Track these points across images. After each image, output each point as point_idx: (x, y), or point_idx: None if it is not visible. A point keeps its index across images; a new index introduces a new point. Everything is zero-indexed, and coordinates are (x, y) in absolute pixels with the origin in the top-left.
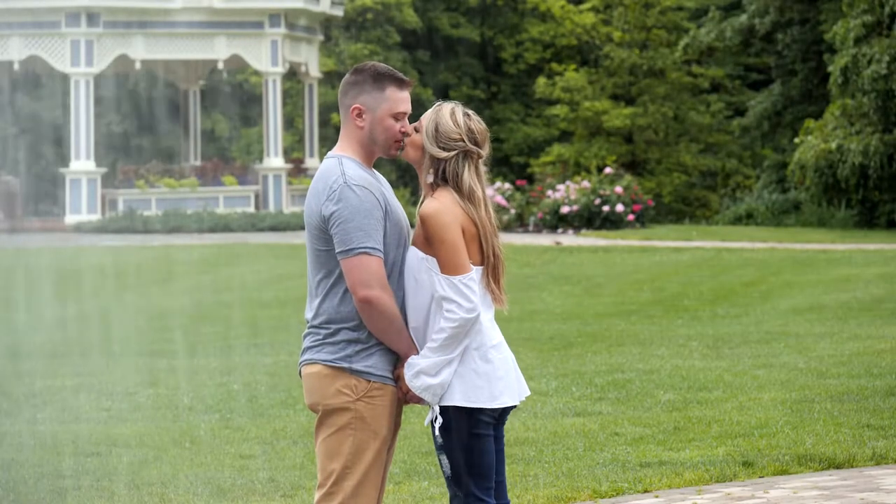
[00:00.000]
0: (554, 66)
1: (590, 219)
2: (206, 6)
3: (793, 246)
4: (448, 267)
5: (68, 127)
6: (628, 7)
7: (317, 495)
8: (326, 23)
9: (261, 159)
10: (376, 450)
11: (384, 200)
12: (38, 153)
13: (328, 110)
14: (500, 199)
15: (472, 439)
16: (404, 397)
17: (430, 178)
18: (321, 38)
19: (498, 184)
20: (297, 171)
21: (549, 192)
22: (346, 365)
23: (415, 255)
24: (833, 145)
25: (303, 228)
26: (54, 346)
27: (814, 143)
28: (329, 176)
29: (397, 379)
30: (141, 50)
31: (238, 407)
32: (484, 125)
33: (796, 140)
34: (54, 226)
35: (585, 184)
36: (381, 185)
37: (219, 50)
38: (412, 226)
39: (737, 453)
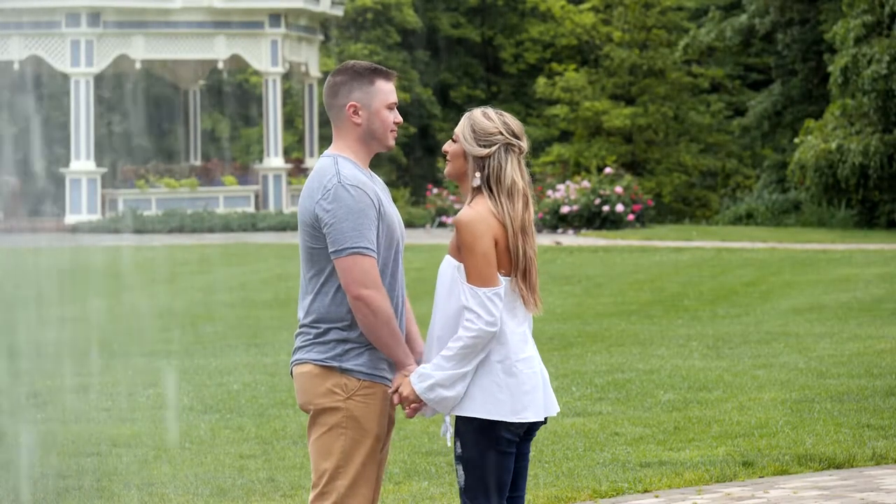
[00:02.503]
0: (554, 66)
1: (590, 219)
2: (206, 6)
3: (793, 246)
4: (474, 277)
5: (68, 127)
6: (628, 7)
7: (311, 495)
8: (326, 23)
9: (261, 159)
10: (369, 448)
11: (378, 201)
12: (38, 153)
13: None
14: None
15: (490, 454)
16: (403, 404)
17: (477, 182)
18: (321, 38)
19: None
20: (297, 171)
21: (550, 192)
22: (336, 364)
23: (448, 264)
24: (833, 145)
25: None
26: (54, 346)
27: (814, 143)
28: (324, 175)
29: (396, 390)
30: (141, 50)
31: (238, 407)
32: (517, 120)
33: (796, 140)
34: (54, 226)
35: (585, 184)
36: (375, 185)
37: (219, 50)
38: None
39: (737, 453)
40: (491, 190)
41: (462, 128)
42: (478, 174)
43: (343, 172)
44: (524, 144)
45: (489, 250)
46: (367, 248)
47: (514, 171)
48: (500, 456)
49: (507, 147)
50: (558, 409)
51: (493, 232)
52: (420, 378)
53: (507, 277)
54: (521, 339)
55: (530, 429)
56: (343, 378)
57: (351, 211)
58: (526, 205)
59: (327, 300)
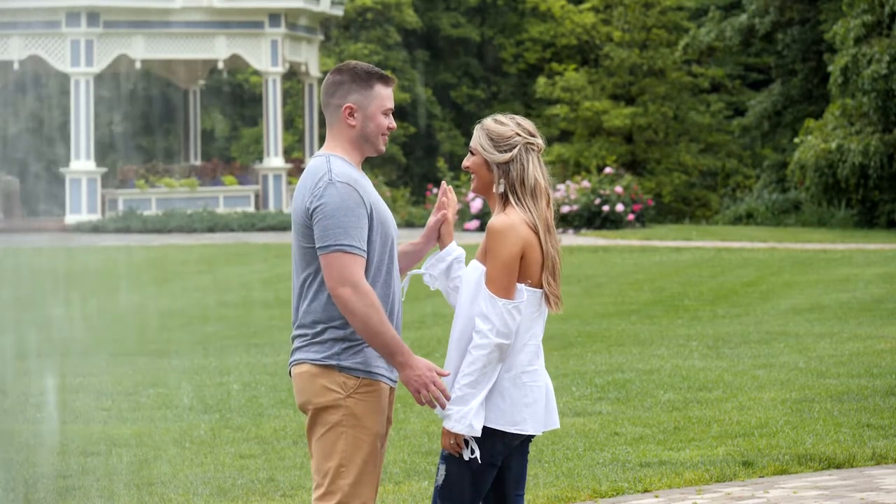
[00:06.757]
0: (554, 65)
1: (590, 219)
2: (205, 6)
3: (793, 246)
4: (494, 283)
5: (68, 127)
6: (628, 7)
7: (314, 495)
8: (326, 23)
9: (261, 159)
10: (370, 446)
11: (369, 199)
12: (39, 153)
13: None
14: None
15: (477, 463)
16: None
17: (502, 188)
18: (321, 37)
19: None
20: (297, 171)
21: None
22: (334, 363)
23: (475, 268)
24: (833, 145)
25: None
26: (54, 346)
27: (814, 142)
28: (316, 173)
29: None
30: (141, 50)
31: (238, 407)
32: (527, 119)
33: (796, 140)
34: (54, 226)
35: (585, 184)
36: (367, 184)
37: (219, 50)
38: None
39: (737, 453)
40: (516, 194)
41: (477, 139)
42: (502, 181)
43: (334, 170)
44: (541, 142)
45: (513, 261)
46: (350, 246)
47: (536, 171)
48: (485, 466)
49: (527, 147)
50: (558, 425)
51: (523, 242)
52: (458, 420)
53: (535, 289)
54: (534, 351)
55: (525, 440)
56: (342, 376)
57: (338, 208)
58: (548, 203)
59: (324, 300)
